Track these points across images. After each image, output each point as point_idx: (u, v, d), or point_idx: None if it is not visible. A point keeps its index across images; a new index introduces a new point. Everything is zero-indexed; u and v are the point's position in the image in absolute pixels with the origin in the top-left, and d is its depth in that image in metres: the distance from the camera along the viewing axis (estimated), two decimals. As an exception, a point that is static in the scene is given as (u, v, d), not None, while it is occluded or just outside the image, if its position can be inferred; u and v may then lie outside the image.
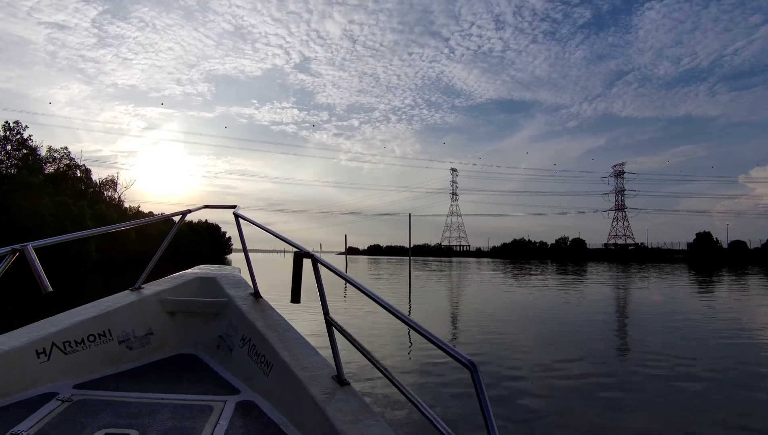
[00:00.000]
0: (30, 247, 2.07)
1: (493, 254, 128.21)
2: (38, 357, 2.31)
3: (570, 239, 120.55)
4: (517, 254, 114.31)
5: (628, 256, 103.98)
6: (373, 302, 1.87)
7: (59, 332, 2.45)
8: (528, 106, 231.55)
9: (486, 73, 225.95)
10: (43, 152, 46.94)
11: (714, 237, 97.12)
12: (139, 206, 59.12)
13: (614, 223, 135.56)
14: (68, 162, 49.55)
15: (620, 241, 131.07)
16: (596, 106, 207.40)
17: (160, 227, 34.91)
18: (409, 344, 8.68)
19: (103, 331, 2.67)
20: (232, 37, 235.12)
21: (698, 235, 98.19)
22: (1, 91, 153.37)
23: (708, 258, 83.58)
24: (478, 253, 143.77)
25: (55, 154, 48.61)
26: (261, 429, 2.03)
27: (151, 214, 56.81)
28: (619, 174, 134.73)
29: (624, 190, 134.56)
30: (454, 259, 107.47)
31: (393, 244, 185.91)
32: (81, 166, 51.49)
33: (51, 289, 2.01)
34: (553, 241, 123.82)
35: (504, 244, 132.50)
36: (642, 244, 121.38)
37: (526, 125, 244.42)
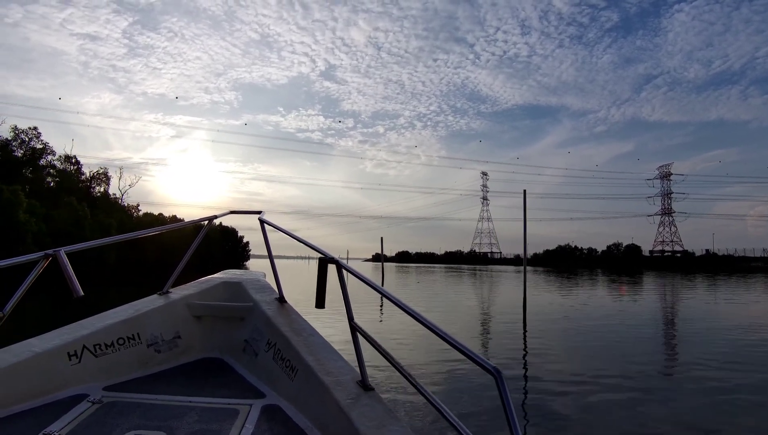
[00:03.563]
0: (62, 252, 2.23)
1: (535, 262, 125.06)
2: (69, 359, 2.48)
3: (624, 245, 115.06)
4: (563, 262, 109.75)
5: (692, 265, 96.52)
6: (401, 309, 1.93)
7: (90, 335, 2.63)
8: (554, 111, 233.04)
9: (512, 78, 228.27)
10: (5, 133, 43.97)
11: None
12: (138, 205, 59.25)
13: (660, 229, 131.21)
14: (42, 146, 46.33)
15: (667, 248, 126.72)
16: (624, 111, 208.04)
17: (178, 233, 35.76)
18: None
19: (132, 335, 2.84)
20: (259, 46, 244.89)
21: None
22: (33, 99, 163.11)
23: None
24: (518, 261, 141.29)
25: (23, 136, 45.21)
26: (286, 433, 2.13)
27: (174, 218, 58.25)
28: (665, 176, 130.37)
29: (671, 193, 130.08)
30: (491, 266, 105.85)
31: (422, 251, 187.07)
32: (72, 157, 50.44)
33: (82, 293, 2.16)
34: (605, 248, 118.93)
35: (547, 251, 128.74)
36: (690, 250, 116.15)
37: (552, 131, 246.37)
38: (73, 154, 52.88)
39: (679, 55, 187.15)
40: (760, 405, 6.33)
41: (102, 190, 55.66)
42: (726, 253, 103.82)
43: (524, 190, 15.00)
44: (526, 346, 10.29)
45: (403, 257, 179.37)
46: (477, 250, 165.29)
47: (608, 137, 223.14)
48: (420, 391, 1.81)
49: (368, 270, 69.27)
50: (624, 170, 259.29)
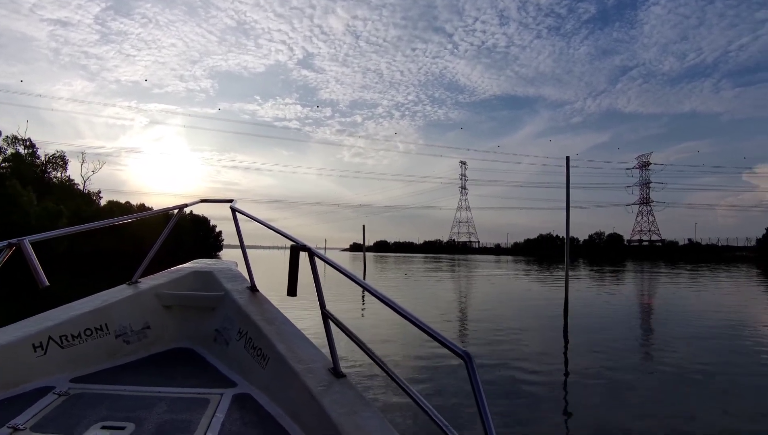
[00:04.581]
0: (27, 241, 2.20)
1: (515, 251, 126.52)
2: (35, 351, 2.46)
3: (606, 234, 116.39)
4: (544, 252, 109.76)
5: (675, 254, 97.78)
6: (372, 295, 1.98)
7: (56, 326, 2.60)
8: (532, 102, 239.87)
9: (490, 68, 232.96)
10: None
11: None
12: (99, 191, 56.91)
13: (639, 218, 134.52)
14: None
15: (645, 237, 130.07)
16: (600, 102, 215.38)
17: (147, 223, 34.90)
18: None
19: (100, 325, 2.83)
20: (235, 33, 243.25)
21: None
22: (2, 86, 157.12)
23: None
24: (498, 250, 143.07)
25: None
26: (257, 421, 2.16)
27: (142, 207, 56.74)
28: (644, 165, 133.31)
29: (650, 183, 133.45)
30: (470, 256, 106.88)
31: (400, 240, 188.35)
32: (26, 140, 47.23)
33: (47, 283, 2.14)
34: (586, 237, 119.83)
35: (527, 241, 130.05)
36: (673, 240, 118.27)
37: (530, 121, 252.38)
38: (27, 136, 50.11)
39: (654, 47, 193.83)
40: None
41: (60, 175, 53.33)
42: (709, 243, 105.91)
43: (567, 157, 13.50)
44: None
45: (381, 247, 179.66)
46: (456, 240, 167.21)
47: (584, 128, 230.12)
48: (391, 376, 1.86)
49: (346, 260, 69.24)
50: (601, 160, 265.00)
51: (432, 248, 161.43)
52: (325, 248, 72.25)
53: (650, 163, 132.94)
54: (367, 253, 42.13)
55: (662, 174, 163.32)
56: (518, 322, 12.01)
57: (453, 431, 1.45)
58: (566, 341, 9.91)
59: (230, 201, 3.58)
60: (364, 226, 41.14)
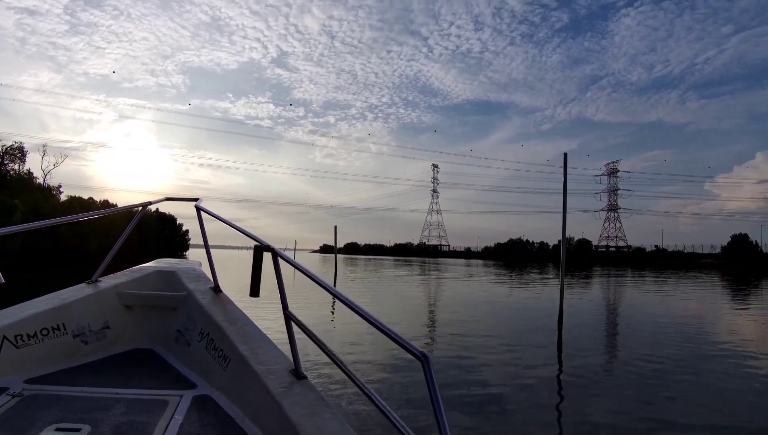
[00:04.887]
0: None
1: (485, 256, 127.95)
2: None
3: (575, 240, 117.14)
4: (514, 256, 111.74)
5: (642, 260, 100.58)
6: (334, 297, 2.02)
7: (11, 325, 2.54)
8: (504, 107, 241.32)
9: (463, 73, 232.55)
10: None
11: (753, 240, 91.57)
12: (59, 186, 55.07)
13: (606, 224, 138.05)
14: None
15: (612, 243, 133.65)
16: (570, 110, 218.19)
17: (110, 220, 33.87)
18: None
19: (57, 325, 2.76)
20: (209, 29, 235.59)
21: (734, 237, 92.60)
22: None
23: (746, 263, 77.63)
24: (468, 254, 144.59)
25: None
26: (216, 423, 2.16)
27: (105, 203, 54.99)
28: (612, 172, 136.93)
29: (618, 190, 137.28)
30: (441, 260, 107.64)
31: (371, 242, 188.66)
32: None
33: (3, 280, 2.11)
34: (555, 242, 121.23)
35: (498, 245, 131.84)
36: (632, 246, 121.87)
37: (501, 127, 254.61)
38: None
39: (624, 58, 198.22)
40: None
41: (18, 168, 50.91)
42: (675, 250, 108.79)
43: (565, 154, 13.56)
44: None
45: (351, 249, 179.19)
46: (426, 243, 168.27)
47: (554, 135, 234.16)
48: (351, 377, 1.89)
49: (317, 262, 68.76)
50: (571, 166, 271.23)
51: (403, 251, 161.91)
52: (295, 249, 71.54)
53: (618, 171, 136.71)
54: (337, 255, 41.79)
55: (630, 181, 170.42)
56: (510, 335, 11.42)
57: (410, 432, 1.47)
58: (559, 351, 9.86)
59: (195, 199, 3.56)
60: (336, 227, 40.84)
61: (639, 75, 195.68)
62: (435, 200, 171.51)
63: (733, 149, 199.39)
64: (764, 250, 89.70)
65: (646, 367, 8.22)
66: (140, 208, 3.62)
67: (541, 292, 24.62)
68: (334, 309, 13.79)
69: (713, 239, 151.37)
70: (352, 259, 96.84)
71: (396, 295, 21.80)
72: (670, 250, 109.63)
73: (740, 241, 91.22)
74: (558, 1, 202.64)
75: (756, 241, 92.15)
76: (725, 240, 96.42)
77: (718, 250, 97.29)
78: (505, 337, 10.91)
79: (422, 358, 1.41)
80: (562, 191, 13.59)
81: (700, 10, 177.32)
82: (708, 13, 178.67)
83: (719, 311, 18.36)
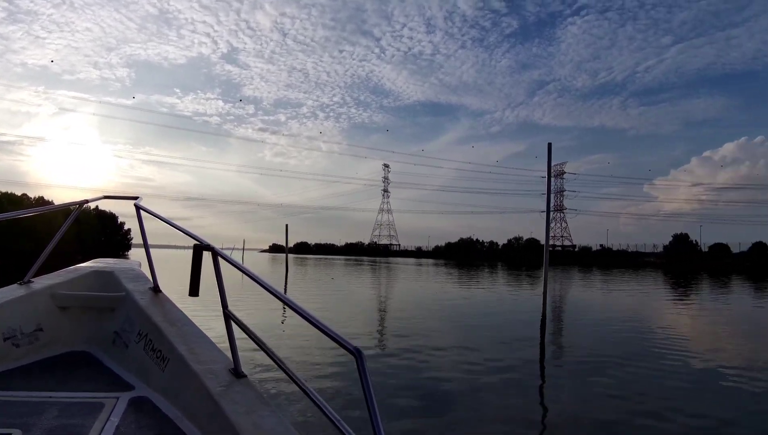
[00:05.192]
0: None
1: (437, 255, 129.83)
2: None
3: (524, 239, 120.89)
4: (464, 256, 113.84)
5: (588, 259, 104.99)
6: (272, 295, 2.06)
7: None
8: (454, 109, 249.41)
9: (415, 75, 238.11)
10: None
11: (692, 239, 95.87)
12: None
13: (553, 224, 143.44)
14: None
15: (558, 243, 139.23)
16: (518, 113, 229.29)
17: (44, 218, 32.06)
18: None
19: None
20: (157, 22, 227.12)
21: (675, 236, 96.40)
22: None
23: (686, 262, 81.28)
24: (419, 253, 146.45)
25: None
26: (154, 424, 2.14)
27: (41, 200, 52.10)
28: (559, 174, 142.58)
29: (564, 191, 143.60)
30: (392, 259, 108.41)
31: (321, 242, 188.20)
32: None
33: None
34: (505, 241, 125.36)
35: (449, 244, 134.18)
36: (578, 245, 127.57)
37: (451, 128, 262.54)
38: None
39: (569, 64, 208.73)
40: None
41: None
42: (620, 249, 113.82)
43: (549, 144, 13.64)
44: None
45: (302, 248, 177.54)
46: (377, 242, 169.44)
47: (503, 137, 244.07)
48: (290, 375, 1.92)
49: (266, 261, 67.58)
50: (518, 168, 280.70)
51: (353, 250, 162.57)
52: (243, 249, 69.97)
53: (564, 172, 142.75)
54: (288, 255, 41.10)
55: (575, 183, 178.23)
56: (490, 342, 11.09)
57: (346, 427, 1.51)
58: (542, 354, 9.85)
59: (135, 198, 3.50)
60: (287, 226, 40.05)
61: (584, 81, 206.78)
62: (386, 200, 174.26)
63: (670, 154, 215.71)
64: (703, 250, 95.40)
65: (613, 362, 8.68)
66: (77, 207, 3.52)
67: (492, 290, 25.34)
68: (285, 310, 13.53)
69: (653, 239, 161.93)
70: (302, 258, 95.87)
71: (353, 296, 21.04)
72: (614, 249, 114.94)
73: (681, 240, 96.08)
74: (508, 8, 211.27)
75: (696, 241, 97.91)
76: (665, 239, 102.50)
77: (660, 250, 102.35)
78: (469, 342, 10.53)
79: (356, 354, 1.44)
80: (546, 190, 14.15)
81: (642, 20, 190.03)
82: (649, 24, 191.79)
83: (668, 308, 19.74)
